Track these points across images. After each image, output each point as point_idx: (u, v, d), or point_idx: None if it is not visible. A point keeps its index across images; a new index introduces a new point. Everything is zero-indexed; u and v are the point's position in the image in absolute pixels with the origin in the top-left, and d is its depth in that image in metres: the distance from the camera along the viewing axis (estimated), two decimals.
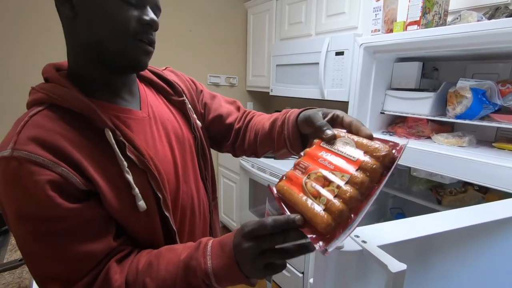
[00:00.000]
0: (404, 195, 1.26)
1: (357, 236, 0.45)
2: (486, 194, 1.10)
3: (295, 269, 1.78)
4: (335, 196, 0.38)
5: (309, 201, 0.39)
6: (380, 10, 1.14)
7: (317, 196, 0.39)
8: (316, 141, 0.48)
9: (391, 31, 1.17)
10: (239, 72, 2.59)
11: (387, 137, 1.25)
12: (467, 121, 1.03)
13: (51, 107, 0.46)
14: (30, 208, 0.41)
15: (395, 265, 0.37)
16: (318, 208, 0.38)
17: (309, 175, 0.42)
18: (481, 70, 1.20)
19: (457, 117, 1.07)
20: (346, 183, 0.38)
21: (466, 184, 1.15)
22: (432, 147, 1.05)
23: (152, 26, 0.48)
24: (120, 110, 0.52)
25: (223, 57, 2.47)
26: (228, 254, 0.42)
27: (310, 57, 1.78)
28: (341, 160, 0.41)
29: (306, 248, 0.41)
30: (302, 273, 1.75)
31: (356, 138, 0.43)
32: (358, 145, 0.41)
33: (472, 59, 1.22)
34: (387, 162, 0.38)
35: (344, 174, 0.39)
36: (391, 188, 1.33)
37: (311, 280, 0.68)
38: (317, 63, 1.72)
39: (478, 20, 1.01)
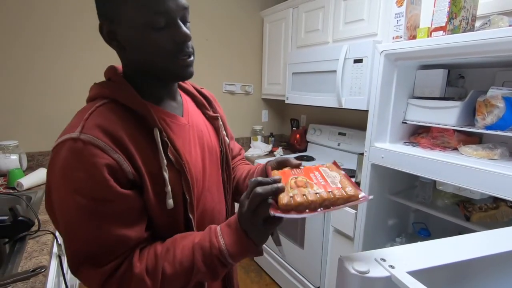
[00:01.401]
0: (428, 210, 1.19)
1: (384, 260, 0.41)
2: None
3: (311, 284, 1.72)
4: (303, 195, 0.47)
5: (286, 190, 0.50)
6: (403, 16, 1.10)
7: (292, 188, 0.50)
8: (318, 165, 0.59)
9: (414, 37, 1.12)
10: (255, 80, 2.59)
11: (408, 148, 1.18)
12: (498, 132, 0.96)
13: (112, 102, 0.53)
14: (86, 186, 0.45)
15: None
16: (289, 194, 0.48)
17: (296, 176, 0.53)
18: None
19: (487, 127, 1.00)
20: (316, 193, 0.48)
21: (497, 200, 1.06)
22: (460, 159, 0.99)
23: (186, 41, 0.53)
24: (167, 114, 0.59)
25: (238, 65, 2.47)
26: (235, 229, 0.50)
27: (327, 65, 1.75)
28: (323, 181, 0.52)
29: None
30: (318, 287, 1.68)
31: (343, 178, 0.53)
32: (342, 181, 0.51)
33: (503, 66, 1.14)
34: (350, 200, 0.48)
35: (318, 188, 0.49)
36: (413, 202, 1.26)
37: None
38: (335, 71, 1.68)
39: (510, 25, 0.95)
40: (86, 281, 0.49)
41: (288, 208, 0.46)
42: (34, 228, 0.94)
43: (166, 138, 0.54)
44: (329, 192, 0.48)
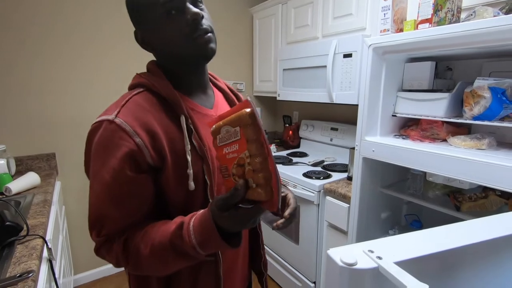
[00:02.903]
0: (419, 201, 1.20)
1: (371, 251, 0.41)
2: (509, 199, 1.03)
3: (307, 279, 1.73)
4: (253, 171, 0.46)
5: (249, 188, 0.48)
6: (389, 9, 1.10)
7: (247, 181, 0.48)
8: (213, 145, 0.54)
9: (401, 30, 1.13)
10: (246, 78, 2.58)
11: (398, 141, 1.19)
12: (486, 122, 0.97)
13: (148, 90, 0.60)
14: (110, 163, 0.53)
15: (416, 286, 0.33)
16: (254, 187, 0.47)
17: (232, 172, 0.51)
18: (498, 68, 1.14)
19: (475, 118, 1.01)
20: (250, 157, 0.46)
21: (486, 189, 1.08)
22: (449, 150, 1.00)
23: (197, 19, 0.56)
24: (195, 105, 0.65)
25: (229, 63, 2.46)
26: (209, 229, 0.50)
27: (317, 60, 1.75)
28: (235, 145, 0.48)
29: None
30: (314, 282, 1.69)
31: (228, 119, 0.49)
32: (234, 124, 0.48)
33: (489, 57, 1.16)
34: (253, 119, 0.45)
35: (245, 152, 0.47)
36: (405, 194, 1.27)
37: None
38: (325, 66, 1.68)
39: (494, 16, 0.96)
40: (93, 241, 0.59)
41: (269, 195, 0.46)
42: (23, 233, 0.92)
43: (191, 125, 0.59)
44: (247, 142, 0.46)
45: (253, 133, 0.45)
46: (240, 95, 0.80)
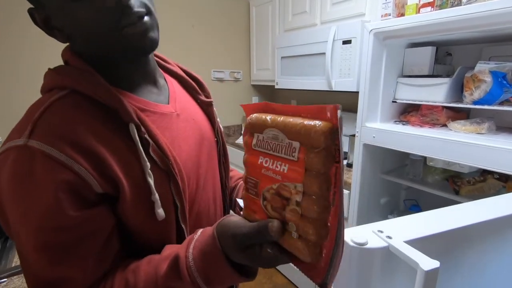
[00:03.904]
0: (418, 186, 1.22)
1: (381, 231, 0.41)
2: (507, 182, 1.05)
3: None
4: (301, 216, 0.31)
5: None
6: None
7: (284, 222, 0.33)
8: (246, 142, 0.37)
9: (402, 15, 1.12)
10: (243, 66, 2.55)
11: (399, 126, 1.20)
12: (486, 107, 0.98)
13: (72, 93, 0.41)
14: (36, 211, 0.36)
15: (427, 263, 0.34)
16: (293, 237, 0.32)
17: (263, 196, 0.35)
18: (498, 52, 1.14)
19: (475, 102, 1.02)
20: (303, 194, 0.30)
21: (485, 173, 1.10)
22: (449, 135, 1.01)
23: (121, 3, 0.38)
24: (145, 103, 0.47)
25: (226, 52, 2.43)
26: (220, 266, 0.38)
27: (316, 48, 1.73)
28: (283, 165, 0.32)
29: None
30: None
31: (285, 121, 0.32)
32: (290, 135, 0.31)
33: (489, 41, 1.16)
34: (330, 141, 0.28)
35: (296, 184, 0.31)
36: (404, 179, 1.29)
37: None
38: (324, 53, 1.67)
39: None
40: None
41: (318, 258, 0.31)
42: None
43: (146, 135, 0.43)
44: (306, 172, 0.30)
45: (322, 164, 0.29)
46: (199, 78, 0.62)
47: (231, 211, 0.67)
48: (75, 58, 0.44)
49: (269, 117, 0.34)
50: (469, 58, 1.24)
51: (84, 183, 0.38)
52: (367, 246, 0.38)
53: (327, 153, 0.29)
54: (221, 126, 0.64)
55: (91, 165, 0.38)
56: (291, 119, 0.32)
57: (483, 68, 0.97)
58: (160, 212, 0.43)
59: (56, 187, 0.36)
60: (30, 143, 0.36)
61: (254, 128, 0.36)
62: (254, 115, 0.36)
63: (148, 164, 0.42)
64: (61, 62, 0.48)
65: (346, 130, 1.97)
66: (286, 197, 0.32)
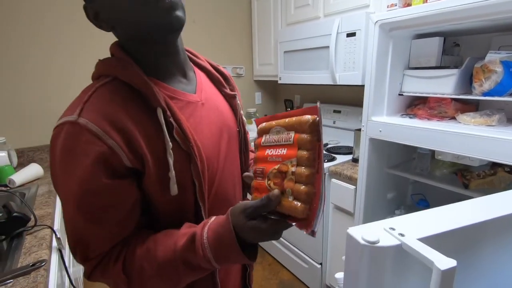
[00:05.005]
0: (426, 180, 1.19)
1: (393, 229, 0.40)
2: None
3: (313, 260, 1.75)
4: (295, 182, 0.42)
5: (282, 198, 0.44)
6: None
7: (283, 191, 0.43)
8: (256, 143, 0.51)
9: (408, 5, 1.09)
10: (246, 62, 2.53)
11: (406, 120, 1.18)
12: (496, 98, 0.95)
13: (114, 80, 0.49)
14: (77, 174, 0.44)
15: (444, 261, 0.32)
16: (290, 200, 0.42)
17: (268, 176, 0.46)
18: (509, 42, 1.10)
19: (485, 94, 0.99)
20: (296, 166, 0.42)
21: (495, 166, 1.07)
22: (458, 127, 0.98)
23: None
24: (174, 91, 0.54)
25: (228, 47, 2.40)
26: (229, 242, 0.45)
27: (319, 41, 1.70)
28: (283, 149, 0.45)
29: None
30: (320, 264, 1.71)
31: (284, 121, 0.46)
32: (289, 128, 0.44)
33: (498, 30, 1.12)
34: (314, 128, 0.42)
35: (292, 160, 0.43)
36: (411, 174, 1.27)
37: (337, 275, 0.63)
38: (327, 47, 1.64)
39: None
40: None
41: (306, 213, 0.41)
42: (31, 223, 0.91)
43: (171, 119, 0.49)
44: (298, 150, 0.42)
45: (309, 143, 0.41)
46: (226, 72, 0.70)
47: (248, 195, 0.73)
48: (119, 51, 0.52)
49: (273, 122, 0.47)
50: (477, 48, 1.21)
51: (115, 155, 0.45)
52: (379, 244, 0.37)
53: (312, 135, 0.41)
54: (244, 118, 0.69)
55: (123, 141, 0.45)
56: (287, 119, 0.45)
57: (494, 58, 0.94)
58: (174, 188, 0.49)
59: (93, 157, 0.43)
60: (79, 120, 0.44)
61: (263, 132, 0.49)
62: (264, 123, 0.49)
63: (170, 144, 0.48)
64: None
65: (351, 124, 1.94)
66: (285, 171, 0.43)
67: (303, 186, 0.41)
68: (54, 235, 0.93)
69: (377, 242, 0.37)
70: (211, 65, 0.67)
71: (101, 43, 1.82)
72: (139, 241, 0.49)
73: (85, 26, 1.76)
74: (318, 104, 0.42)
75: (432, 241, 0.37)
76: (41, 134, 1.71)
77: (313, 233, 0.42)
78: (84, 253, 0.48)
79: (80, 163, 0.44)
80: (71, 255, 1.27)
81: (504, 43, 1.12)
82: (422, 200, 1.31)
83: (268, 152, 0.47)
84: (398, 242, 0.37)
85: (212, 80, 0.66)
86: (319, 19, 1.80)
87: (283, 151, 0.44)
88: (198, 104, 0.57)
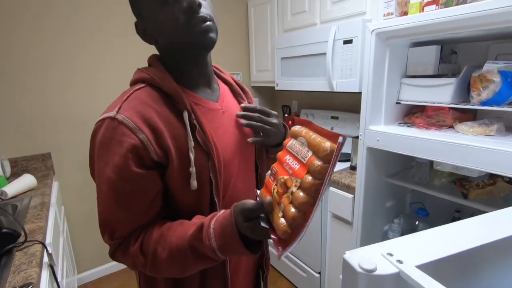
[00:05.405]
0: (425, 190, 1.18)
1: (390, 254, 0.38)
2: None
3: (312, 269, 1.73)
4: (290, 202, 0.42)
5: (276, 209, 0.45)
6: None
7: (278, 203, 0.45)
8: (284, 142, 0.53)
9: (405, 13, 1.08)
10: (243, 68, 2.52)
11: (403, 129, 1.16)
12: (495, 108, 0.94)
13: (149, 85, 0.58)
14: (113, 161, 0.51)
15: None
16: (279, 216, 0.43)
17: (276, 181, 0.48)
18: (506, 50, 1.10)
19: (483, 103, 0.98)
20: (298, 188, 0.42)
21: (494, 176, 1.06)
22: (457, 138, 0.97)
23: (192, 7, 0.53)
24: (199, 99, 0.62)
25: (225, 53, 2.39)
26: (231, 235, 0.49)
27: (316, 48, 1.70)
28: (297, 164, 0.45)
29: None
30: (319, 273, 1.69)
31: (311, 135, 0.45)
32: (310, 146, 0.44)
33: (496, 38, 1.11)
34: (329, 158, 0.41)
35: (297, 180, 0.43)
36: (410, 183, 1.25)
37: None
38: (324, 54, 1.63)
39: None
40: (108, 245, 0.58)
41: (286, 236, 0.42)
42: (21, 239, 0.89)
43: (194, 121, 0.57)
44: (306, 174, 0.42)
45: (317, 173, 0.41)
46: (246, 88, 0.77)
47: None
48: (155, 61, 0.61)
49: (304, 130, 0.47)
50: (475, 56, 1.20)
51: (145, 149, 0.52)
52: (376, 272, 0.35)
53: (324, 165, 0.40)
54: None
55: (152, 137, 0.53)
56: (315, 135, 0.44)
57: (491, 68, 0.93)
58: (194, 183, 0.56)
59: (126, 147, 0.51)
60: (117, 116, 0.52)
61: (293, 134, 0.50)
62: (297, 126, 0.50)
63: (192, 143, 0.56)
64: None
65: (349, 131, 1.93)
66: (288, 187, 0.44)
67: (294, 210, 0.41)
68: (45, 250, 0.90)
69: (374, 270, 0.35)
70: (234, 80, 0.75)
71: (94, 56, 1.82)
72: (156, 227, 0.56)
73: (81, 38, 1.75)
74: (341, 138, 0.40)
75: (431, 267, 0.36)
76: (35, 143, 1.69)
77: (279, 256, 0.43)
78: (111, 233, 0.55)
79: (116, 151, 0.51)
80: (63, 268, 1.24)
81: (502, 51, 1.12)
82: (421, 209, 1.30)
83: (287, 158, 0.49)
84: (396, 270, 0.35)
85: (233, 93, 0.73)
86: (316, 25, 1.80)
87: (296, 166, 0.45)
88: (219, 111, 0.64)
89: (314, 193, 0.41)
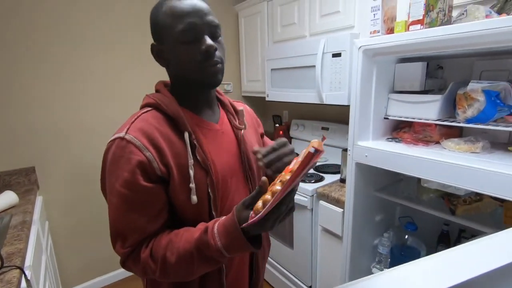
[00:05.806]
0: (414, 205, 1.18)
1: None
2: (503, 202, 1.02)
3: (303, 283, 1.71)
4: (270, 191, 0.50)
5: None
6: (379, 9, 1.05)
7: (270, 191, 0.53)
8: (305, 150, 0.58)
9: (391, 30, 1.09)
10: (234, 78, 2.51)
11: (391, 145, 1.17)
12: (480, 126, 0.95)
13: (156, 109, 0.65)
14: (123, 177, 0.57)
15: None
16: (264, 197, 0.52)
17: (279, 176, 0.54)
18: (490, 67, 1.11)
19: (468, 120, 0.98)
20: (280, 181, 0.50)
21: None
22: (443, 156, 0.97)
23: (209, 51, 0.60)
24: (201, 120, 0.68)
25: None
26: (234, 231, 0.54)
27: (305, 60, 1.70)
28: (295, 164, 0.52)
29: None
30: (310, 287, 1.67)
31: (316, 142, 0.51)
32: (306, 151, 0.50)
33: (480, 55, 1.13)
34: (307, 159, 0.49)
35: (286, 176, 0.50)
36: (399, 197, 1.25)
37: None
38: (314, 66, 1.63)
39: (486, 15, 0.93)
40: (118, 255, 0.61)
41: (256, 211, 0.51)
42: None
43: (195, 141, 0.63)
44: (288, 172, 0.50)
45: (297, 168, 0.48)
46: (238, 108, 0.79)
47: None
48: (162, 88, 0.69)
49: (316, 142, 0.51)
50: (461, 72, 1.21)
51: (150, 165, 0.58)
52: None
53: (302, 166, 0.49)
54: (247, 149, 0.78)
55: (156, 154, 0.59)
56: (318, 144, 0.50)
57: (475, 87, 0.94)
58: (194, 198, 0.61)
59: (134, 163, 0.57)
60: (126, 136, 0.58)
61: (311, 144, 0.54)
62: (316, 140, 0.55)
63: (192, 160, 0.61)
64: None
65: (338, 142, 1.93)
66: (280, 180, 0.50)
67: (268, 197, 0.50)
68: (23, 276, 0.87)
69: None
70: (229, 102, 0.80)
71: (80, 68, 1.79)
72: (164, 234, 0.60)
73: (63, 51, 1.72)
74: (311, 149, 0.48)
75: None
76: (18, 157, 1.65)
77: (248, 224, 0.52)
78: (123, 242, 0.59)
79: (125, 168, 0.57)
80: None
81: (486, 68, 1.13)
82: (410, 223, 1.30)
83: (293, 161, 0.56)
84: None
85: (227, 114, 0.78)
86: (305, 38, 1.80)
87: (293, 166, 0.52)
88: (219, 132, 0.70)
89: (285, 185, 0.49)
